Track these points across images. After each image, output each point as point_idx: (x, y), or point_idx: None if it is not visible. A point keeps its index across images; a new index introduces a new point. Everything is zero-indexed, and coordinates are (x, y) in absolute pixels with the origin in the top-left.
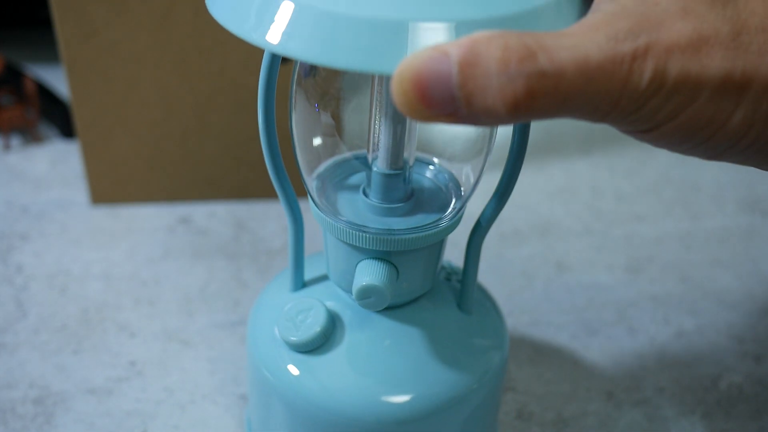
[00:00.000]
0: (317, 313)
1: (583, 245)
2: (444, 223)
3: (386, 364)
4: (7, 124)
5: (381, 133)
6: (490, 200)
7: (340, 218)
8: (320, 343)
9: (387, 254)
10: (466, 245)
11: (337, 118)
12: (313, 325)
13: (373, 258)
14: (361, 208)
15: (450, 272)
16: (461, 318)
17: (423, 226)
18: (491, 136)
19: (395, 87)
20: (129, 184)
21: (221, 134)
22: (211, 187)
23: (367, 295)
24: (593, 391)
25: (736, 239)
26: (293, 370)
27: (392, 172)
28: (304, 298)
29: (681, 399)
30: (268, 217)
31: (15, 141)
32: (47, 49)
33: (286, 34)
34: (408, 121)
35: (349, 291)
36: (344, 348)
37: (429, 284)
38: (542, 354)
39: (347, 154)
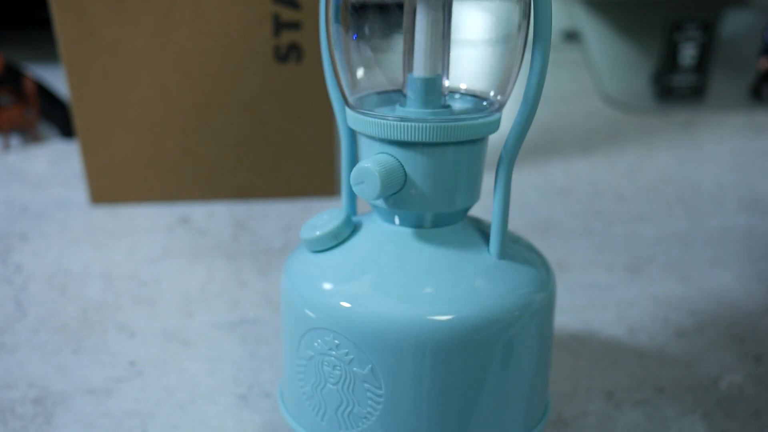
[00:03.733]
0: (336, 216)
1: (583, 245)
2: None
3: (427, 285)
4: (7, 123)
5: (417, 34)
6: (513, 124)
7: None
8: (332, 242)
9: (396, 151)
10: (494, 179)
11: (374, 43)
12: (327, 225)
13: (382, 152)
14: (397, 112)
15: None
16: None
17: (431, 117)
18: (521, 60)
19: None
20: (128, 184)
21: (221, 134)
22: (211, 187)
23: (359, 180)
24: (593, 391)
25: (735, 239)
26: (345, 304)
27: (428, 76)
28: (332, 209)
29: (681, 399)
30: (268, 217)
31: (15, 141)
32: (47, 48)
33: None
34: (443, 28)
35: (379, 210)
36: (384, 271)
37: (451, 203)
38: None
39: (385, 87)
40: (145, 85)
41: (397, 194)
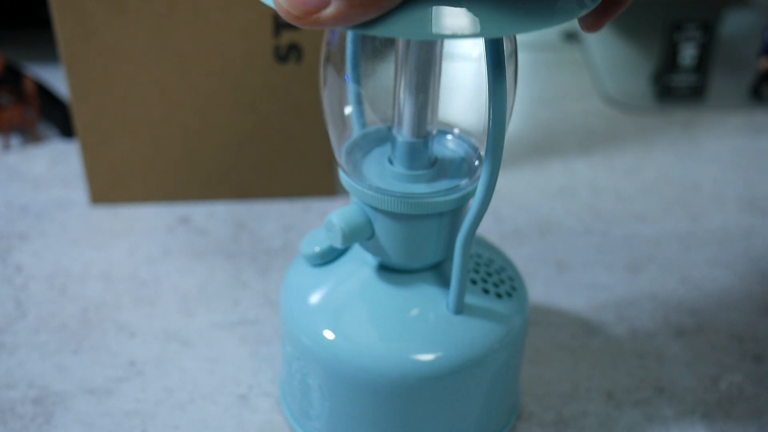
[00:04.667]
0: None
1: (583, 245)
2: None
3: (413, 325)
4: (7, 123)
5: (405, 102)
6: (470, 210)
7: (364, 182)
8: (319, 261)
9: (368, 209)
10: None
11: (365, 89)
12: (322, 244)
13: (355, 204)
14: (386, 175)
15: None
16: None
17: (404, 192)
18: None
19: (279, 10)
20: (128, 184)
21: (221, 134)
22: (211, 187)
23: (327, 228)
24: (593, 391)
25: (735, 239)
26: (329, 335)
27: (415, 140)
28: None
29: (681, 399)
30: (268, 217)
31: (14, 141)
32: (47, 48)
33: None
34: (431, 90)
35: (369, 252)
36: (373, 310)
37: (418, 260)
38: (542, 354)
39: (374, 127)
40: (145, 85)
41: (365, 242)
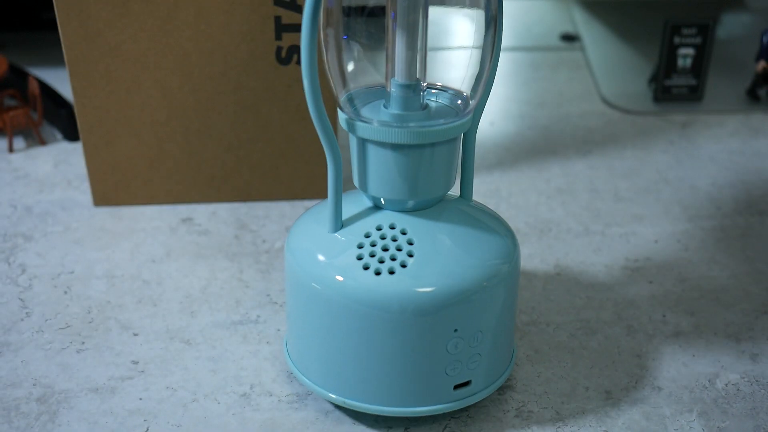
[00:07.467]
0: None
1: (582, 245)
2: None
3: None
4: (12, 125)
5: (397, 46)
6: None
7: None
8: None
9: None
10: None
11: (363, 47)
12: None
13: None
14: (382, 115)
15: None
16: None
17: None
18: (492, 63)
19: None
20: (131, 185)
21: (223, 135)
22: (213, 188)
23: None
24: (592, 390)
25: (733, 239)
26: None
27: (407, 82)
28: None
29: (678, 398)
30: (270, 218)
31: (19, 142)
32: (51, 51)
33: None
34: (419, 35)
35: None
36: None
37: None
38: (541, 353)
39: (369, 85)
40: (148, 87)
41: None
